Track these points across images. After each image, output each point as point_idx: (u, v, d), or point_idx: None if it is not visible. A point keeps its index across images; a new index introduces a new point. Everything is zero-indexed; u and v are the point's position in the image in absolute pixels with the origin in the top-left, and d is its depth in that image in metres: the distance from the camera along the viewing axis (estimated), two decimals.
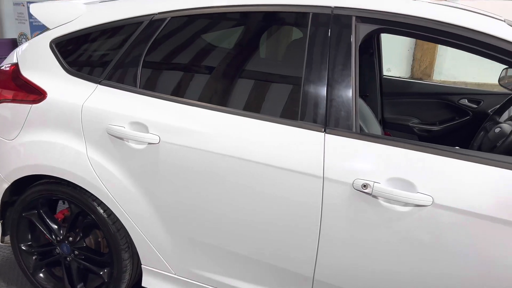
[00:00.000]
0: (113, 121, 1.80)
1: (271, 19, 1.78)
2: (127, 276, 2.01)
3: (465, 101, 2.80)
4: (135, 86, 1.84)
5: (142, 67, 1.84)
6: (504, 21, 1.56)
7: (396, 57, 4.59)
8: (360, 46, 2.91)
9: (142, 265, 1.98)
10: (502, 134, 1.89)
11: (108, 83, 1.88)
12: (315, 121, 1.59)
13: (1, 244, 2.21)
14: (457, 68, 4.59)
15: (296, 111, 1.63)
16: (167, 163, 1.73)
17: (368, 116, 2.74)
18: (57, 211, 2.24)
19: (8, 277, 2.38)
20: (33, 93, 1.96)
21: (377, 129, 2.71)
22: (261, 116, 1.65)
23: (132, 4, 1.93)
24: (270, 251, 1.70)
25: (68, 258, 2.09)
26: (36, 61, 2.03)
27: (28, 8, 3.91)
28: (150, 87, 1.83)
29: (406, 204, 1.46)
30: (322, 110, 1.59)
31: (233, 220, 1.70)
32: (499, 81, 2.67)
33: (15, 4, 6.38)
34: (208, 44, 1.85)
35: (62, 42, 2.01)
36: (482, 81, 4.47)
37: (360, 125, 2.00)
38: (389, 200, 1.48)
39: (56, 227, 2.09)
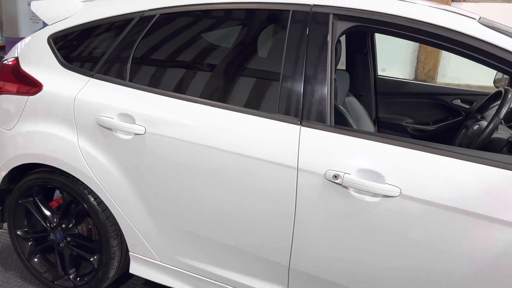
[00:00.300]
0: (103, 112, 1.89)
1: (254, 16, 1.86)
2: (115, 263, 2.10)
3: (458, 102, 2.83)
4: (125, 80, 1.93)
5: (131, 61, 1.94)
6: (479, 19, 1.61)
7: (400, 59, 4.62)
8: (354, 46, 2.99)
9: (129, 252, 2.07)
10: (480, 131, 1.94)
11: (100, 77, 1.97)
12: (292, 115, 1.66)
13: (0, 230, 2.31)
14: (461, 71, 4.60)
15: (275, 105, 1.70)
16: (152, 153, 1.82)
17: (361, 115, 2.81)
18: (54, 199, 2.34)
19: (6, 263, 2.50)
20: (30, 86, 2.07)
21: (369, 127, 2.77)
22: (242, 109, 1.73)
23: (125, 1, 2.03)
24: (249, 240, 1.78)
25: (61, 244, 2.19)
26: (35, 55, 2.15)
27: None
28: (138, 81, 1.92)
29: (375, 194, 1.52)
30: (299, 104, 1.66)
31: (214, 209, 1.78)
32: (494, 83, 2.70)
33: (30, 4, 6.57)
34: (194, 40, 1.93)
35: (58, 37, 2.12)
36: (486, 84, 4.47)
37: (347, 120, 2.08)
38: (359, 190, 1.54)
39: (50, 214, 2.19)
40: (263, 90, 1.80)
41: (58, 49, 2.10)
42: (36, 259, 2.29)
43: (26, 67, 2.13)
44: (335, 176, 1.55)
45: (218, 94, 1.83)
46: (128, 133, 1.85)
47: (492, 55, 1.50)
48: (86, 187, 2.02)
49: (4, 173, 2.19)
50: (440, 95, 2.88)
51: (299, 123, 1.64)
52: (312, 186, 1.60)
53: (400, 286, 1.58)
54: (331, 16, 1.68)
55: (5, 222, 2.33)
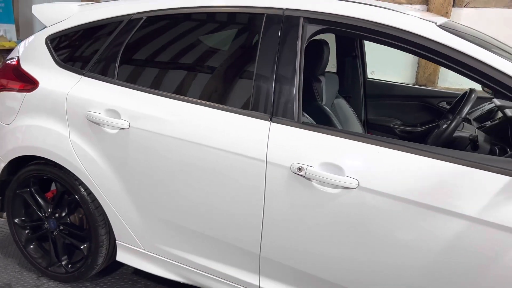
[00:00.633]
0: (92, 108, 2.05)
1: (232, 19, 1.99)
2: (104, 251, 2.24)
3: (444, 104, 2.91)
4: (113, 78, 2.08)
5: (119, 60, 2.09)
6: (444, 22, 1.71)
7: (401, 63, 4.71)
8: (343, 49, 3.10)
9: (116, 241, 2.21)
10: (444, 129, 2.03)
11: (91, 75, 2.13)
12: (263, 111, 1.79)
13: (1, 219, 2.48)
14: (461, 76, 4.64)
15: (248, 102, 1.83)
16: (136, 146, 1.97)
17: (350, 116, 2.92)
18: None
19: (6, 250, 2.67)
20: (27, 83, 2.24)
21: (357, 128, 2.88)
22: (218, 105, 1.86)
23: (116, 5, 2.19)
24: (224, 230, 1.90)
25: (54, 233, 2.35)
26: (33, 55, 2.32)
27: None
28: (125, 79, 2.07)
29: (335, 186, 1.63)
30: (270, 101, 1.78)
31: (191, 200, 1.91)
32: (482, 87, 2.78)
33: None
34: (176, 41, 2.07)
35: (55, 38, 2.29)
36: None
37: (331, 120, 2.18)
38: (322, 182, 1.65)
39: (45, 204, 2.35)
40: (238, 88, 1.92)
41: (55, 49, 2.26)
42: (32, 246, 2.46)
43: (25, 66, 2.30)
44: (299, 169, 1.66)
45: (196, 91, 1.96)
46: (114, 127, 1.99)
47: (448, 57, 1.60)
48: (77, 179, 2.17)
49: (3, 165, 2.36)
50: (427, 97, 2.97)
51: (270, 119, 1.76)
52: (279, 178, 1.72)
53: (361, 275, 1.68)
54: (302, 19, 1.80)
55: (4, 212, 2.49)
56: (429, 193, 1.51)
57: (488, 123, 2.24)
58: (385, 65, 4.39)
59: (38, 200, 2.35)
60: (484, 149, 2.01)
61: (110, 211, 2.14)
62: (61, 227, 2.33)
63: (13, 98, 2.28)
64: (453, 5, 4.58)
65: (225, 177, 1.81)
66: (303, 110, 2.27)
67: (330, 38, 2.71)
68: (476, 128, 2.23)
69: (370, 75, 3.19)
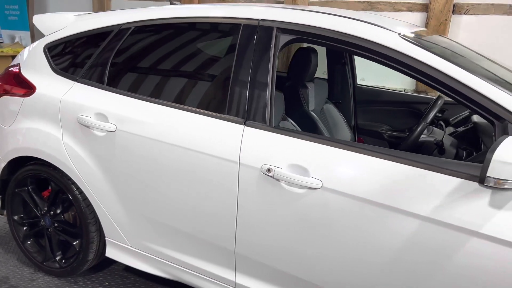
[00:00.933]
0: (83, 112, 2.20)
1: (212, 28, 2.13)
2: (94, 247, 2.39)
3: None
4: (103, 84, 2.24)
5: (109, 67, 2.24)
6: (412, 31, 1.80)
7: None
8: (333, 57, 3.20)
9: (105, 238, 2.36)
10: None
11: (83, 81, 2.29)
12: (238, 115, 1.91)
13: (1, 216, 2.66)
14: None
15: (224, 106, 1.95)
16: (121, 148, 2.11)
17: (338, 121, 3.03)
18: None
19: (7, 246, 2.84)
20: (26, 88, 2.41)
21: (346, 134, 2.99)
22: (196, 110, 1.99)
23: (108, 15, 2.35)
24: (202, 228, 2.02)
25: (49, 229, 2.50)
26: (32, 62, 2.49)
27: None
28: (114, 84, 2.22)
29: (301, 187, 1.74)
30: (244, 106, 1.91)
31: (172, 199, 2.04)
32: None
33: None
34: (161, 49, 2.21)
35: (52, 46, 2.45)
36: None
37: (317, 125, 2.29)
38: (289, 183, 1.76)
39: (41, 202, 2.51)
40: (216, 93, 2.05)
41: (52, 57, 2.43)
42: (29, 242, 2.62)
43: (25, 72, 2.48)
44: (268, 170, 1.78)
45: (177, 96, 2.10)
46: (102, 130, 2.14)
47: (407, 65, 1.69)
48: (70, 178, 2.32)
49: (3, 165, 2.53)
50: (415, 103, 3.06)
51: (244, 123, 1.89)
52: (250, 179, 1.84)
53: (327, 272, 1.78)
54: (275, 29, 1.92)
55: (5, 209, 2.66)
56: (386, 193, 1.61)
57: (461, 129, 2.32)
58: (386, 72, 4.47)
59: (35, 199, 2.51)
60: (451, 153, 2.09)
61: (100, 209, 2.28)
62: (56, 224, 2.48)
63: (13, 102, 2.45)
64: (453, 12, 4.64)
65: (201, 177, 1.93)
66: (289, 115, 2.41)
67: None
68: (450, 133, 2.31)
69: (359, 81, 3.28)
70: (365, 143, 3.15)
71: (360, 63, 3.13)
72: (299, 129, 2.41)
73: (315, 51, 2.80)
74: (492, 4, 4.44)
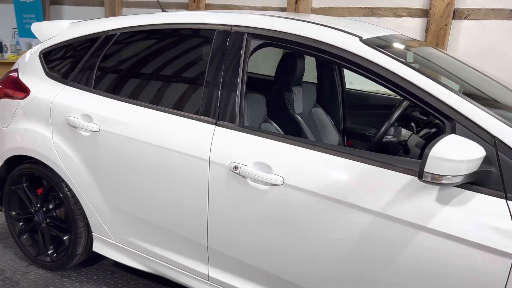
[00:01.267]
0: (70, 113, 2.35)
1: (189, 34, 2.26)
2: (82, 242, 2.53)
3: (416, 113, 3.05)
4: (90, 86, 2.39)
5: (96, 71, 2.39)
6: (361, 38, 1.89)
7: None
8: (321, 61, 3.29)
9: (92, 233, 2.50)
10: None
11: (73, 84, 2.45)
12: (210, 116, 2.03)
13: (1, 212, 2.83)
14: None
15: (198, 107, 2.07)
16: (104, 147, 2.25)
17: (326, 124, 3.12)
18: None
19: (6, 242, 3.01)
20: (22, 91, 2.58)
21: (334, 136, 3.08)
22: (171, 110, 2.12)
23: (97, 22, 2.51)
24: (178, 223, 2.14)
25: (42, 225, 2.66)
26: (29, 67, 2.66)
27: None
28: (100, 87, 2.37)
29: (265, 183, 1.84)
30: (216, 107, 2.03)
31: (150, 195, 2.17)
32: None
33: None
34: (142, 53, 2.35)
35: (47, 52, 2.62)
36: None
37: (301, 128, 2.38)
38: (254, 180, 1.87)
39: (34, 199, 2.67)
40: (192, 95, 2.17)
41: (46, 62, 2.60)
42: (24, 237, 2.78)
43: (22, 76, 2.65)
44: (235, 167, 1.89)
45: (155, 98, 2.23)
46: (87, 130, 2.29)
47: (366, 69, 1.78)
48: (60, 176, 2.47)
49: (1, 163, 2.70)
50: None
51: (215, 123, 2.00)
52: (219, 176, 1.95)
53: (292, 265, 1.88)
54: (246, 34, 2.04)
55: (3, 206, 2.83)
56: (341, 189, 1.70)
57: (433, 130, 2.39)
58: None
59: (29, 196, 2.68)
60: (415, 153, 2.16)
61: (86, 205, 2.42)
62: (48, 220, 2.64)
63: (10, 104, 2.63)
64: (453, 18, 4.67)
65: (176, 175, 2.06)
66: (274, 117, 2.52)
67: None
68: (422, 134, 2.38)
69: (348, 85, 3.37)
70: (354, 146, 3.23)
71: None
72: (281, 131, 2.52)
73: (301, 56, 2.90)
74: (493, 9, 4.46)
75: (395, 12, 4.78)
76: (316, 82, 3.39)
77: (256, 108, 2.49)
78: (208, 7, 5.63)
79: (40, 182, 2.76)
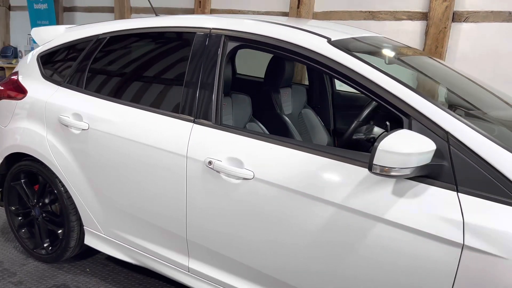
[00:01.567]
0: (63, 112, 2.50)
1: (171, 37, 2.39)
2: (75, 235, 2.67)
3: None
4: (82, 87, 2.54)
5: (87, 73, 2.54)
6: (329, 39, 1.99)
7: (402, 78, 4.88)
8: None
9: (84, 226, 2.64)
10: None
11: (66, 85, 2.60)
12: (188, 114, 2.15)
13: (1, 207, 3.00)
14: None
15: (178, 106, 2.20)
16: (93, 144, 2.39)
17: (316, 125, 3.22)
18: None
19: (8, 236, 3.18)
20: (20, 92, 2.75)
21: (323, 136, 3.17)
22: (155, 109, 2.25)
23: (89, 27, 2.66)
24: (160, 216, 2.26)
25: (38, 219, 2.81)
26: (27, 69, 2.84)
27: None
28: (90, 88, 2.51)
29: (237, 178, 1.95)
30: (194, 105, 2.15)
31: (134, 190, 2.30)
32: None
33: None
34: (129, 55, 2.49)
35: (43, 55, 2.79)
36: None
37: (288, 128, 2.49)
38: (227, 174, 1.98)
39: (31, 194, 2.82)
40: (173, 94, 2.30)
41: (42, 64, 2.77)
42: (23, 231, 2.94)
43: (21, 78, 2.82)
44: (210, 162, 2.00)
45: (139, 97, 2.36)
46: (78, 128, 2.43)
47: (332, 68, 1.88)
48: (53, 172, 2.62)
49: (1, 161, 2.87)
50: None
51: (193, 121, 2.12)
52: (196, 171, 2.06)
53: (264, 257, 1.98)
54: (223, 37, 2.16)
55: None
56: (305, 183, 1.80)
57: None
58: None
59: (27, 191, 2.83)
60: None
61: (78, 200, 2.57)
62: (43, 215, 2.79)
63: (9, 104, 2.80)
64: (453, 20, 4.72)
65: (157, 170, 2.18)
66: (262, 117, 2.63)
67: None
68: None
69: (338, 87, 3.45)
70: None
71: None
72: (265, 130, 2.62)
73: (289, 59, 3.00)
74: (492, 12, 4.49)
75: (395, 16, 4.84)
76: (307, 84, 3.48)
77: (242, 108, 2.61)
78: (213, 12, 5.79)
79: (37, 179, 2.92)
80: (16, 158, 2.85)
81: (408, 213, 1.61)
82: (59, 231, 2.74)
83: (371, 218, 1.67)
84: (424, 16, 4.72)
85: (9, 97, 2.82)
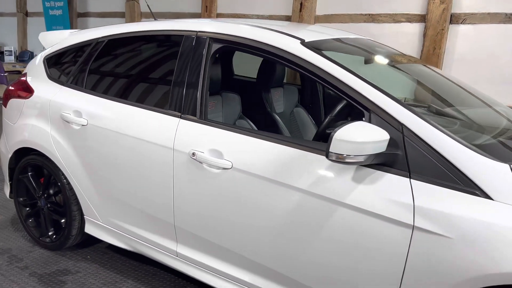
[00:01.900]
0: (65, 110, 2.74)
1: (163, 39, 2.61)
2: (76, 224, 2.90)
3: None
4: (82, 87, 2.77)
5: (88, 73, 2.77)
6: (303, 40, 2.17)
7: (404, 82, 5.03)
8: None
9: (84, 216, 2.86)
10: None
11: (69, 85, 2.84)
12: (176, 110, 2.36)
13: (10, 199, 3.26)
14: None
15: (167, 103, 2.41)
16: (91, 139, 2.62)
17: (307, 123, 3.40)
18: None
19: (18, 226, 3.43)
20: (28, 92, 3.00)
21: (313, 133, 3.35)
22: (146, 106, 2.47)
23: (91, 31, 2.90)
24: (150, 204, 2.47)
25: (44, 209, 3.05)
26: (35, 70, 3.09)
27: None
28: (90, 87, 2.74)
29: (218, 167, 2.15)
30: (181, 102, 2.35)
31: (126, 179, 2.51)
32: None
33: None
34: (126, 56, 2.72)
35: (49, 57, 3.04)
36: None
37: (278, 125, 2.67)
38: (209, 164, 2.17)
39: (38, 186, 3.07)
40: (163, 92, 2.51)
41: (48, 66, 3.01)
42: (30, 220, 3.18)
43: (29, 79, 3.07)
44: (193, 154, 2.20)
45: (134, 95, 2.58)
46: (78, 124, 2.66)
47: (303, 68, 2.07)
48: (57, 165, 2.86)
49: (10, 155, 3.13)
50: None
51: (180, 116, 2.33)
52: (181, 162, 2.27)
53: (242, 240, 2.16)
54: (208, 39, 2.36)
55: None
56: (276, 171, 1.99)
57: None
58: (390, 83, 4.74)
59: (33, 183, 3.08)
60: None
61: (78, 191, 2.80)
62: (48, 205, 3.03)
63: (18, 103, 3.05)
64: (450, 22, 4.83)
65: (147, 161, 2.39)
66: (253, 115, 2.83)
67: None
68: None
69: None
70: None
71: None
72: (254, 127, 2.82)
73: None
74: (488, 13, 4.59)
75: (394, 18, 4.98)
76: (299, 84, 3.66)
77: (232, 106, 2.81)
78: (219, 16, 6.01)
79: (43, 172, 3.17)
80: (24, 152, 3.09)
81: (366, 198, 1.78)
82: (62, 221, 2.97)
83: (333, 202, 1.85)
84: (422, 18, 4.84)
85: (19, 97, 3.07)
